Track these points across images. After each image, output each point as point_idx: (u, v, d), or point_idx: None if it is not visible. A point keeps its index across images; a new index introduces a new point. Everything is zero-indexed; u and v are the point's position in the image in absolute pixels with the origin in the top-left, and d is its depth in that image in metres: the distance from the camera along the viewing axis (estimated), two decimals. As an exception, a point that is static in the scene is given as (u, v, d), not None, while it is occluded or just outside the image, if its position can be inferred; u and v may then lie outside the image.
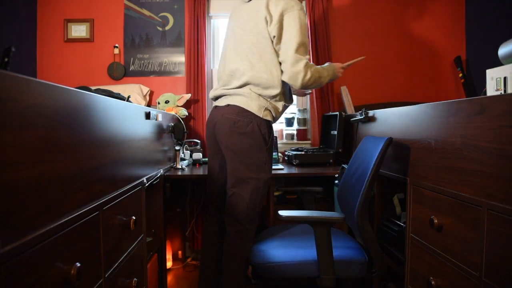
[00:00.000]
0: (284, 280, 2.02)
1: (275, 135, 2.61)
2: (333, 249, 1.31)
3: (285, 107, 1.67)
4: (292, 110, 2.78)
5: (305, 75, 1.50)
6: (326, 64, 1.75)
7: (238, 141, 1.53)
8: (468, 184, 1.01)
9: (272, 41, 1.53)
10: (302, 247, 1.44)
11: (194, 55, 2.58)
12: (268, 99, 1.57)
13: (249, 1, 1.61)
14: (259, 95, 1.56)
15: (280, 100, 1.61)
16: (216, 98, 1.69)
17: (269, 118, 1.58)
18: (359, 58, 1.90)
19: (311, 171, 2.07)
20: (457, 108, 1.07)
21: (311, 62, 1.57)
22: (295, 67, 1.49)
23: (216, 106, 1.67)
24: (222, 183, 1.66)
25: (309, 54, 2.62)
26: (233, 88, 1.59)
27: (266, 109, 1.57)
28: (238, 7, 1.68)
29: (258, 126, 1.53)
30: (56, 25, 2.66)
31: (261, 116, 1.54)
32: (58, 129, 0.75)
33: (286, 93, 1.65)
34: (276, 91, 1.56)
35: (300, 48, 1.50)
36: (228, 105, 1.58)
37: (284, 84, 1.59)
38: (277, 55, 1.55)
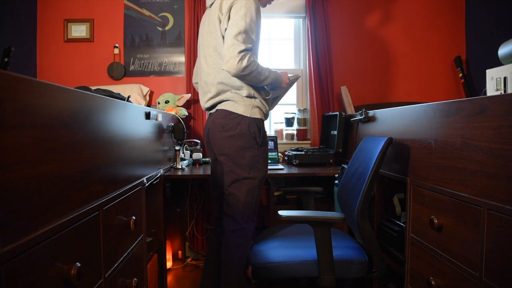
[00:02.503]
0: (284, 280, 2.02)
1: (274, 135, 2.62)
2: (333, 249, 1.31)
3: (268, 101, 1.65)
4: (292, 110, 2.79)
5: (240, 61, 1.41)
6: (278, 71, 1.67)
7: (228, 144, 1.54)
8: (468, 184, 1.01)
9: None
10: (302, 247, 1.44)
11: (194, 55, 2.57)
12: (252, 95, 1.56)
13: (210, 6, 1.63)
14: (242, 95, 1.55)
15: (256, 97, 1.57)
16: (208, 109, 1.68)
17: (258, 115, 1.57)
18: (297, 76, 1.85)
19: (311, 171, 2.07)
20: (457, 108, 1.07)
21: (254, 56, 1.46)
22: (230, 51, 1.42)
23: (209, 114, 1.68)
24: (223, 185, 1.67)
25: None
26: (216, 96, 1.59)
27: (254, 106, 1.56)
28: (205, 13, 1.70)
29: (247, 127, 1.53)
30: (56, 25, 2.66)
31: (248, 115, 1.54)
32: (58, 129, 0.75)
33: (258, 88, 1.60)
34: (246, 90, 1.54)
35: (240, 35, 1.43)
36: (217, 110, 1.60)
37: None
38: None
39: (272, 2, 1.75)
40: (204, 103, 1.67)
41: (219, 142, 1.57)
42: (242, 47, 1.42)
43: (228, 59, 1.43)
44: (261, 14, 1.55)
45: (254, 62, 1.45)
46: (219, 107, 1.59)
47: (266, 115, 1.65)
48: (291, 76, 1.76)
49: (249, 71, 1.44)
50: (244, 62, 1.42)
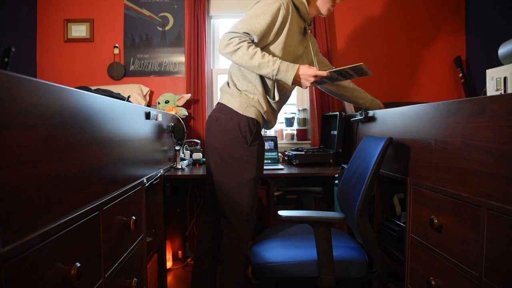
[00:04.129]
0: (284, 280, 2.02)
1: (274, 135, 2.61)
2: (333, 249, 1.31)
3: (271, 105, 1.61)
4: (292, 110, 2.79)
5: (222, 40, 1.45)
6: (295, 65, 1.47)
7: (219, 138, 1.55)
8: (468, 184, 1.01)
9: None
10: (302, 247, 1.44)
11: (194, 55, 2.58)
12: (251, 94, 1.56)
13: None
14: (240, 91, 1.56)
15: (263, 95, 1.56)
16: None
17: (253, 115, 1.55)
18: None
19: (311, 171, 2.07)
20: (457, 108, 1.07)
21: (241, 38, 1.43)
22: (228, 31, 1.48)
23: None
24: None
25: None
26: (224, 85, 1.64)
27: (250, 105, 1.55)
28: None
29: (238, 124, 1.53)
30: (56, 25, 2.66)
31: (241, 112, 1.53)
32: (58, 129, 0.75)
33: (267, 87, 1.59)
34: (252, 82, 1.56)
35: (239, 22, 1.47)
36: (218, 103, 1.63)
37: (261, 78, 1.56)
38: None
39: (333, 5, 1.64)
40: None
41: (212, 134, 1.59)
42: (229, 30, 1.46)
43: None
44: None
45: (236, 42, 1.42)
46: (219, 100, 1.63)
47: (265, 119, 1.62)
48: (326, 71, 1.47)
49: (230, 50, 1.43)
50: (225, 41, 1.44)
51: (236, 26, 1.46)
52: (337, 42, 2.74)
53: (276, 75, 1.45)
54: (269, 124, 1.69)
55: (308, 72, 1.46)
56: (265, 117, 1.62)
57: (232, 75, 1.60)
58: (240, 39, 1.43)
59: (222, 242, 1.58)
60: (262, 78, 1.56)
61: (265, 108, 1.59)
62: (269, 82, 1.59)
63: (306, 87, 1.53)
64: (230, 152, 1.52)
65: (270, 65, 1.43)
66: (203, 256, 1.73)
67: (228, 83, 1.63)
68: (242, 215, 1.54)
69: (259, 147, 1.59)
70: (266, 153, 2.19)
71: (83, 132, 0.87)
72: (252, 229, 1.59)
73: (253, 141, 1.56)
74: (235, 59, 1.45)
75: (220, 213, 1.59)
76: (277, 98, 1.60)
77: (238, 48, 1.42)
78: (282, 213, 1.32)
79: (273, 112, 1.67)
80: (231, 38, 1.43)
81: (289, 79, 1.46)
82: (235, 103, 1.54)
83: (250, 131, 1.55)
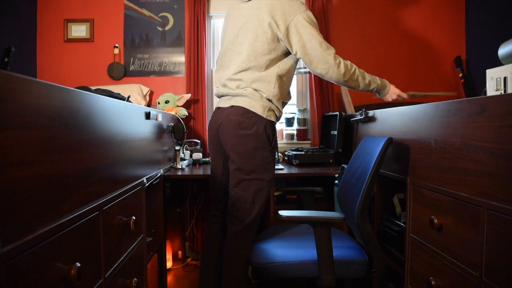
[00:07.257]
0: (284, 280, 2.02)
1: (275, 135, 2.62)
2: (333, 249, 1.31)
3: (284, 104, 1.69)
4: (292, 110, 2.79)
5: (339, 67, 1.55)
6: (387, 81, 1.76)
7: (243, 142, 1.54)
8: (468, 184, 1.01)
9: (274, 41, 1.54)
10: (302, 247, 1.44)
11: (194, 55, 2.58)
12: (270, 99, 1.57)
13: (248, 1, 1.60)
14: (262, 95, 1.56)
15: (279, 99, 1.61)
16: (220, 96, 1.70)
17: (272, 118, 1.59)
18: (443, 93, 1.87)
19: (311, 171, 2.07)
20: (457, 108, 1.07)
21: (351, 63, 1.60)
22: (326, 58, 1.54)
23: (219, 108, 1.66)
24: (226, 184, 1.67)
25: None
26: (235, 89, 1.59)
27: (270, 109, 1.57)
28: (238, 7, 1.67)
29: (263, 128, 1.54)
30: (56, 25, 2.66)
31: (265, 116, 1.55)
32: (58, 129, 0.75)
33: (284, 90, 1.64)
34: (271, 86, 1.56)
35: (317, 41, 1.53)
36: (232, 106, 1.57)
37: (281, 81, 1.58)
38: (276, 53, 1.56)
39: None
40: (219, 88, 1.69)
41: (233, 138, 1.55)
42: (325, 53, 1.53)
43: (327, 67, 1.56)
44: None
45: (349, 66, 1.59)
46: (234, 103, 1.57)
47: (278, 119, 1.67)
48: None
49: (347, 77, 1.58)
50: (342, 68, 1.56)
51: (322, 45, 1.53)
52: (337, 42, 2.74)
53: (377, 89, 1.71)
54: (278, 120, 1.74)
55: (395, 91, 1.78)
56: (279, 117, 1.68)
57: (247, 78, 1.56)
58: (345, 61, 1.59)
59: (227, 241, 1.58)
60: (280, 81, 1.59)
61: (281, 111, 1.66)
62: (286, 85, 1.65)
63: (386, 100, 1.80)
64: (254, 155, 1.53)
65: (377, 81, 1.70)
66: (210, 258, 1.73)
67: (239, 86, 1.58)
68: (254, 216, 1.55)
69: (275, 148, 1.66)
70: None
71: (83, 132, 0.87)
72: (257, 229, 1.60)
73: (275, 142, 1.61)
74: (353, 84, 1.63)
75: (229, 213, 1.58)
76: (294, 100, 1.71)
77: (353, 72, 1.59)
78: (282, 213, 1.32)
79: (282, 110, 1.71)
80: (342, 62, 1.57)
81: (385, 93, 1.76)
82: (258, 108, 1.54)
83: (273, 134, 1.59)
